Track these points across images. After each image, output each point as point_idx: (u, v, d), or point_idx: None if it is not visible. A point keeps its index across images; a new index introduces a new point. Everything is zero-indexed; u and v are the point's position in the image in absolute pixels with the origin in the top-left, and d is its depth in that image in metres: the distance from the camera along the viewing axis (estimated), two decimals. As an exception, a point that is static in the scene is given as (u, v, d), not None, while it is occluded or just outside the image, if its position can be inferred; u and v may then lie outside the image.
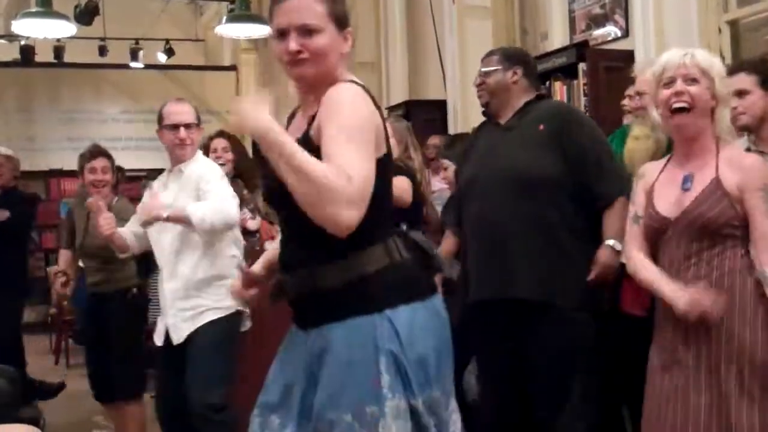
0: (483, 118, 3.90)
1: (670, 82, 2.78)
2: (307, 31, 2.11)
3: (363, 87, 2.17)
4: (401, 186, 4.44)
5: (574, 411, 3.47)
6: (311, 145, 2.05)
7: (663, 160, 2.98)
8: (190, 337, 3.97)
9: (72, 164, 6.44)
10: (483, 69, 3.77)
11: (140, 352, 5.07)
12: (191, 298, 3.98)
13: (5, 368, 4.82)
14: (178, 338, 3.99)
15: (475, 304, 3.68)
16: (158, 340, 4.11)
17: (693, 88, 2.75)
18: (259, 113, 1.93)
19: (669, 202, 2.81)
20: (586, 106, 5.40)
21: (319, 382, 2.15)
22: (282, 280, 2.29)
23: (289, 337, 2.37)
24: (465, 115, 6.89)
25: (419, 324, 2.16)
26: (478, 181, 3.68)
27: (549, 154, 3.50)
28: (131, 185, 8.85)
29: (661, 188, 2.87)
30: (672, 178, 2.85)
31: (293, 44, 2.11)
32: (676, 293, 2.69)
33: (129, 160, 9.43)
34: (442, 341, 2.22)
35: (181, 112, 4.06)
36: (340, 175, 1.90)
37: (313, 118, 2.15)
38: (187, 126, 4.05)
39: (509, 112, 3.70)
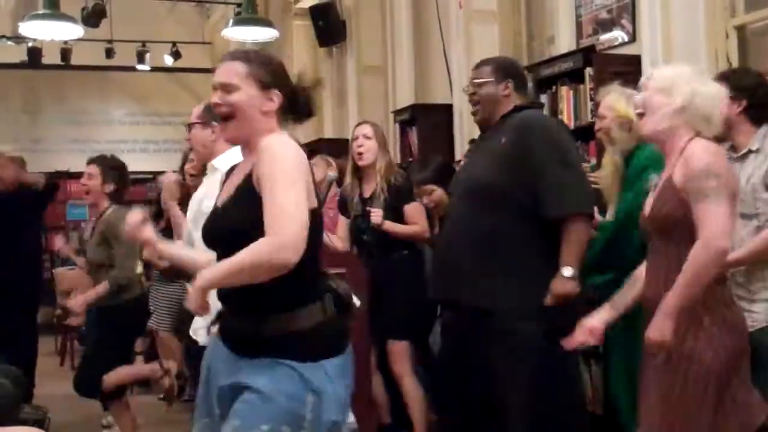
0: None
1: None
2: (226, 89, 2.48)
3: (295, 141, 2.46)
4: (419, 214, 4.79)
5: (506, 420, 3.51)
6: (251, 188, 2.37)
7: None
8: None
9: (78, 166, 6.47)
10: (474, 80, 3.77)
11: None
12: None
13: (10, 369, 4.82)
14: None
15: (443, 310, 4.02)
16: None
17: (657, 98, 2.86)
18: (198, 284, 2.30)
19: (649, 203, 2.93)
20: (593, 110, 5.39)
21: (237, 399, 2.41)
22: (223, 313, 2.55)
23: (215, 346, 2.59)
24: (471, 119, 6.86)
25: (342, 371, 2.45)
26: (452, 191, 3.90)
27: (503, 166, 3.52)
28: (137, 188, 8.87)
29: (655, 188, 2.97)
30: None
31: (214, 98, 2.51)
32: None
33: (135, 163, 9.39)
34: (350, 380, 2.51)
35: (192, 113, 4.07)
36: (271, 235, 2.23)
37: (248, 174, 2.42)
38: (190, 126, 4.02)
39: (490, 126, 3.76)
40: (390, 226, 4.69)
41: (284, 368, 2.35)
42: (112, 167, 5.07)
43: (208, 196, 3.85)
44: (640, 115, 2.91)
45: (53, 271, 11.69)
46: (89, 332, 5.36)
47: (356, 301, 2.58)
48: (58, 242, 6.70)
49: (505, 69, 3.77)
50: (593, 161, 5.29)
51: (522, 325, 3.43)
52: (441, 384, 4.00)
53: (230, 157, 3.84)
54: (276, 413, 2.33)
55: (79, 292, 5.34)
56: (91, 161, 5.09)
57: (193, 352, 4.33)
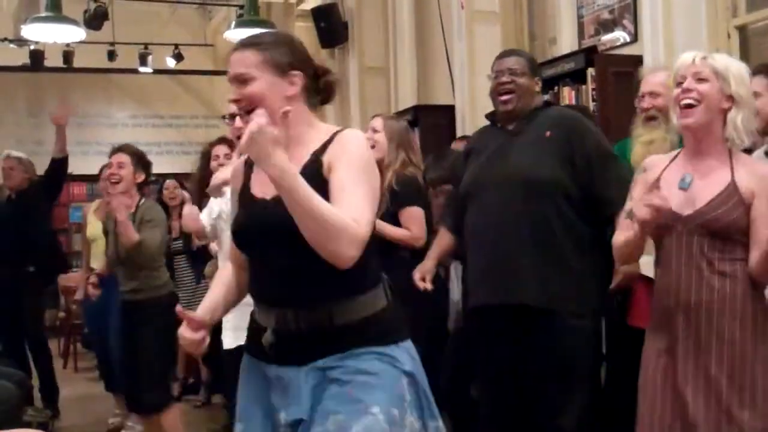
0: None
1: (682, 81, 2.79)
2: (242, 81, 2.29)
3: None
4: (416, 218, 4.39)
5: (573, 417, 3.47)
6: (317, 173, 2.23)
7: (670, 155, 2.96)
8: None
9: (81, 169, 6.48)
10: (513, 68, 3.66)
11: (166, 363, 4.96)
12: None
13: (14, 372, 4.84)
14: None
15: (477, 309, 3.69)
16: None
17: (702, 86, 2.75)
18: (276, 151, 2.07)
19: (679, 197, 2.78)
20: (595, 111, 5.39)
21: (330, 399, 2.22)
22: (267, 318, 2.33)
23: (252, 377, 2.41)
24: (473, 120, 6.88)
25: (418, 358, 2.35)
26: (482, 185, 3.65)
27: (555, 160, 3.50)
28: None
29: (669, 183, 2.82)
30: (683, 170, 2.82)
31: (232, 94, 2.32)
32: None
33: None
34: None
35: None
36: (348, 217, 2.10)
37: (315, 155, 2.29)
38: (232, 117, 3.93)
39: (518, 119, 3.68)
40: (380, 226, 4.52)
41: (370, 355, 2.23)
42: (139, 156, 4.91)
43: None
44: (688, 105, 2.76)
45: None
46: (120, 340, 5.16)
47: None
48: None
49: (535, 65, 3.79)
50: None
51: (580, 322, 3.45)
52: (488, 395, 3.81)
53: None
54: (382, 395, 2.19)
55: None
56: (118, 150, 4.90)
57: (213, 356, 4.29)
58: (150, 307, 4.71)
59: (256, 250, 2.35)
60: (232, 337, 3.82)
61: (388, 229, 4.32)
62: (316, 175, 2.22)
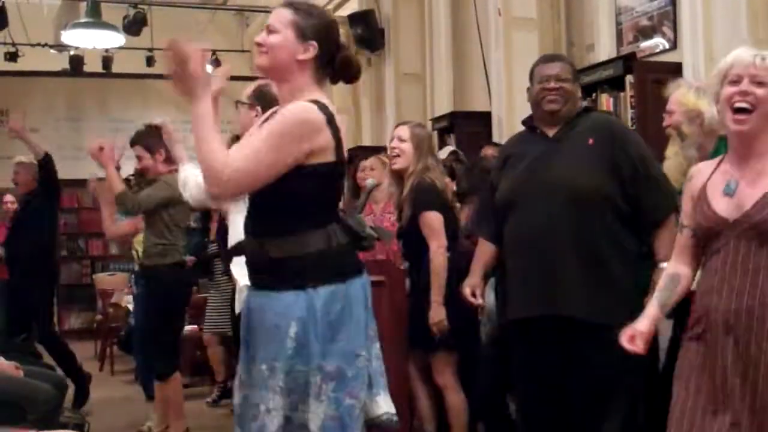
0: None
1: (737, 80, 2.69)
2: (270, 30, 2.65)
3: (320, 105, 2.59)
4: (431, 224, 4.44)
5: (616, 430, 3.43)
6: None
7: (716, 160, 2.89)
8: None
9: (122, 173, 6.53)
10: (560, 75, 3.63)
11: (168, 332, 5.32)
12: None
13: (52, 374, 4.88)
14: None
15: (516, 321, 3.63)
16: None
17: (759, 90, 2.66)
18: (205, 81, 2.50)
19: (726, 203, 2.72)
20: (633, 118, 5.35)
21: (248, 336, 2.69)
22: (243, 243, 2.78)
23: None
24: (510, 127, 6.85)
25: (332, 301, 2.60)
26: (524, 193, 3.60)
27: (599, 168, 3.47)
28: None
29: (715, 188, 2.77)
30: (728, 176, 2.76)
31: (257, 37, 2.68)
32: (634, 323, 2.86)
33: (175, 169, 9.50)
34: (349, 316, 2.64)
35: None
36: (221, 160, 2.44)
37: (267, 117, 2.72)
38: (237, 105, 4.09)
39: (560, 124, 3.64)
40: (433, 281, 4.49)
41: (274, 303, 2.60)
42: (151, 136, 5.34)
43: None
44: (742, 109, 2.67)
45: (93, 276, 11.83)
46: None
47: (373, 234, 2.77)
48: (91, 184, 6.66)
49: (575, 70, 3.77)
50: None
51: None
52: (529, 407, 3.75)
53: None
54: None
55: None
56: (133, 143, 5.43)
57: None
58: (155, 275, 5.26)
59: None
60: None
61: (435, 284, 4.41)
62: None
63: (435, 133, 7.88)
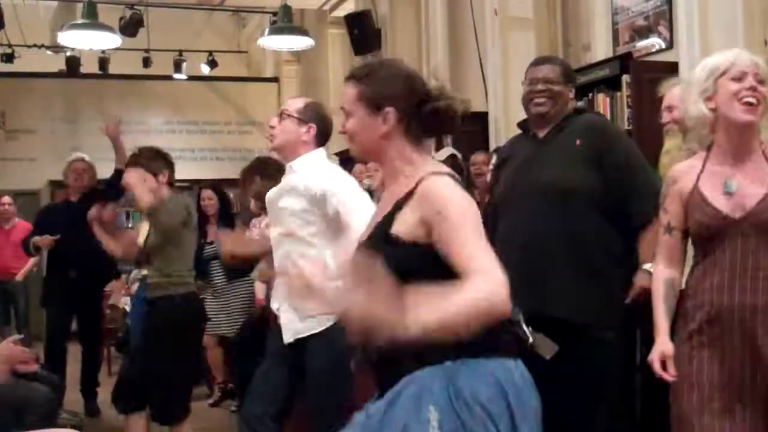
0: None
1: (741, 77, 2.74)
2: (346, 114, 2.34)
3: (450, 175, 2.25)
4: None
5: (602, 429, 3.44)
6: (389, 229, 2.19)
7: (695, 161, 2.89)
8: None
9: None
10: (548, 76, 3.63)
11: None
12: None
13: (48, 376, 4.87)
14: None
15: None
16: None
17: (762, 87, 2.73)
18: (385, 316, 1.93)
19: (726, 201, 2.74)
20: (630, 118, 5.36)
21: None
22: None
23: None
24: (507, 127, 6.86)
25: None
26: (513, 194, 3.62)
27: (585, 169, 3.46)
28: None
29: (711, 188, 2.78)
30: (721, 175, 2.78)
31: (341, 127, 2.38)
32: (658, 346, 2.80)
33: (172, 171, 9.49)
34: None
35: (290, 105, 3.87)
36: (476, 281, 2.05)
37: (395, 207, 2.23)
38: (283, 116, 3.80)
39: (550, 126, 3.65)
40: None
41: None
42: (151, 159, 4.74)
43: (283, 194, 3.73)
44: (750, 103, 2.72)
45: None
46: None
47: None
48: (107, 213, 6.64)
49: (570, 72, 3.74)
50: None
51: (610, 334, 3.40)
52: None
53: (310, 162, 3.72)
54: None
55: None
56: (128, 166, 4.75)
57: (239, 361, 4.26)
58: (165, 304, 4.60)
59: None
60: None
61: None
62: (383, 231, 2.21)
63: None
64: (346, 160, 6.68)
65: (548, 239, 3.45)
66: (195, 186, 8.19)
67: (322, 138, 3.79)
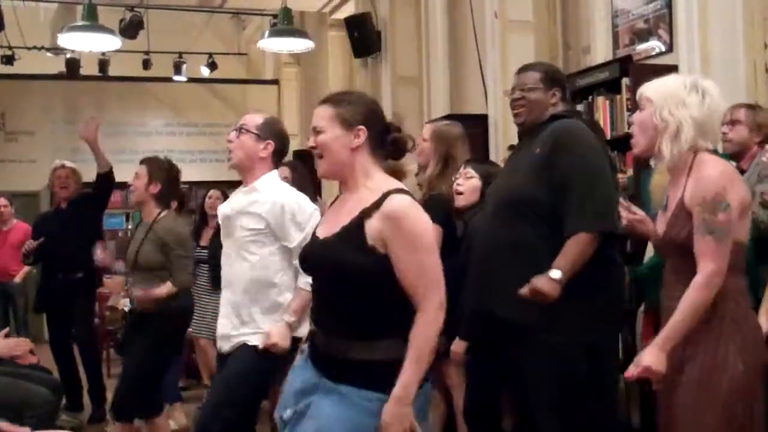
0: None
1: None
2: (316, 132, 2.69)
3: (407, 193, 2.61)
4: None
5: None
6: (358, 234, 2.55)
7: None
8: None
9: (117, 176, 6.53)
10: (524, 84, 3.65)
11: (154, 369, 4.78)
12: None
13: (48, 377, 4.88)
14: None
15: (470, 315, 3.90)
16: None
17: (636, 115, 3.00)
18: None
19: (660, 223, 2.95)
20: (629, 121, 5.36)
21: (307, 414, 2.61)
22: (314, 334, 2.74)
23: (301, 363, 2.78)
24: (506, 129, 6.86)
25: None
26: (486, 202, 3.83)
27: (536, 178, 3.45)
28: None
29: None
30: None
31: (309, 141, 2.72)
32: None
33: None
34: None
35: (247, 121, 3.92)
36: (422, 322, 2.51)
37: (361, 216, 2.57)
38: (241, 131, 3.83)
39: (527, 134, 3.66)
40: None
41: (358, 399, 2.53)
42: (160, 168, 4.85)
43: (241, 212, 3.78)
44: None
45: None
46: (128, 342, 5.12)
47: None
48: (98, 253, 6.76)
49: (552, 76, 3.69)
50: (630, 172, 5.25)
51: (553, 338, 3.35)
52: (475, 399, 4.09)
53: (270, 182, 3.81)
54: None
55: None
56: (141, 162, 4.91)
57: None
58: (163, 317, 4.68)
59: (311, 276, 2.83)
60: None
61: None
62: (355, 237, 2.54)
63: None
64: (302, 158, 6.77)
65: (496, 247, 3.55)
66: (194, 187, 8.20)
67: (279, 155, 3.88)
